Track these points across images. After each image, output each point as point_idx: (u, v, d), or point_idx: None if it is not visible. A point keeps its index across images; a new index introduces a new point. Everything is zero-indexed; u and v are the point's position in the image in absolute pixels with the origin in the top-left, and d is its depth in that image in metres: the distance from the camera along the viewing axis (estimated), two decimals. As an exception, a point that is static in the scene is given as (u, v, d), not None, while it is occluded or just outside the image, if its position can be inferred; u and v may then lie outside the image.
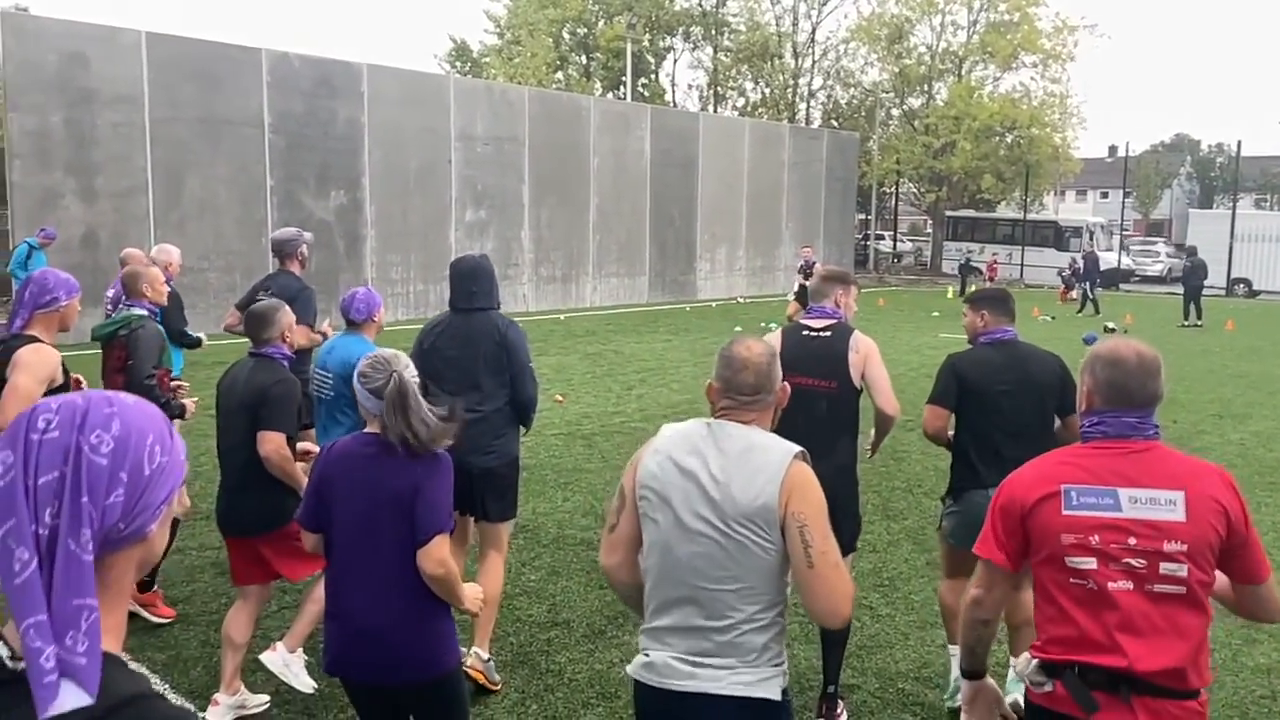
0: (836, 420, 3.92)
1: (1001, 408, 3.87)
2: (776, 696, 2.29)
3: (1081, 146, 45.94)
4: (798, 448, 2.31)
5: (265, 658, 3.96)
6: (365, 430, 2.83)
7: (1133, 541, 2.19)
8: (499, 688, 4.24)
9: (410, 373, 2.78)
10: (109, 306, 6.63)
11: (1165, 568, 2.18)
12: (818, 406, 3.88)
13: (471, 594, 2.91)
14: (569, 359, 14.22)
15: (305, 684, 4.02)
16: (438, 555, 2.68)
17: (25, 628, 1.01)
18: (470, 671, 4.09)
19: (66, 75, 14.99)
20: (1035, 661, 2.30)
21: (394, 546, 2.70)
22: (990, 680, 2.53)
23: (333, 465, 2.79)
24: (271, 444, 3.78)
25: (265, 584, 4.11)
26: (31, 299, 3.94)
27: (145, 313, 4.85)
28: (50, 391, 3.87)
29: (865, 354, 3.95)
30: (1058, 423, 3.94)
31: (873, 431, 4.20)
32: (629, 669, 2.43)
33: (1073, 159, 37.56)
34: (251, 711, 4.01)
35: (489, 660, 4.25)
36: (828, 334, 3.99)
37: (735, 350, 2.39)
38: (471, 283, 4.32)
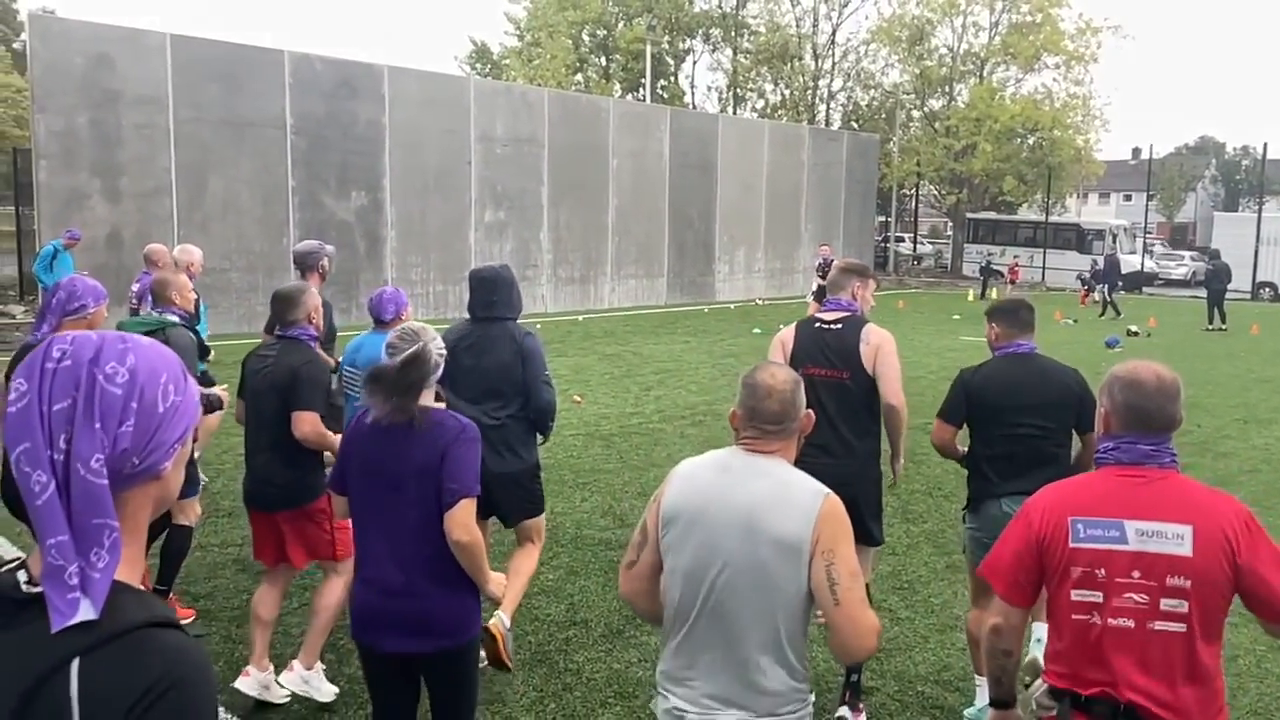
0: (851, 410, 3.92)
1: (1012, 422, 3.80)
2: None
3: (1104, 149, 45.79)
4: (826, 488, 2.28)
5: (284, 679, 3.98)
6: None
7: (1136, 575, 2.15)
8: (511, 668, 4.24)
9: (437, 344, 2.86)
10: (134, 301, 6.71)
11: (1166, 604, 2.14)
12: (830, 396, 3.89)
13: (496, 578, 2.93)
14: (587, 360, 14.24)
15: (328, 693, 4.05)
16: (463, 519, 2.71)
17: (48, 546, 1.04)
18: (491, 628, 4.04)
19: (92, 77, 15.16)
20: (1045, 685, 2.30)
21: (421, 516, 2.74)
22: (1019, 711, 2.50)
23: (359, 433, 2.85)
24: (307, 423, 3.85)
25: (291, 567, 4.18)
26: (60, 305, 3.98)
27: (177, 319, 4.87)
28: None
29: (877, 345, 3.94)
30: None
31: (889, 446, 4.14)
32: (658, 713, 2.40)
33: (1095, 161, 37.26)
34: (276, 701, 4.06)
35: (510, 629, 4.25)
36: (839, 326, 4.00)
37: (760, 378, 2.34)
38: (491, 292, 4.34)
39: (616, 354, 15.00)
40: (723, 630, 2.24)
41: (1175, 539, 2.14)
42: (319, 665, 4.09)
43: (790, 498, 2.23)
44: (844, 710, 4.00)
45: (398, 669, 2.89)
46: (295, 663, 4.03)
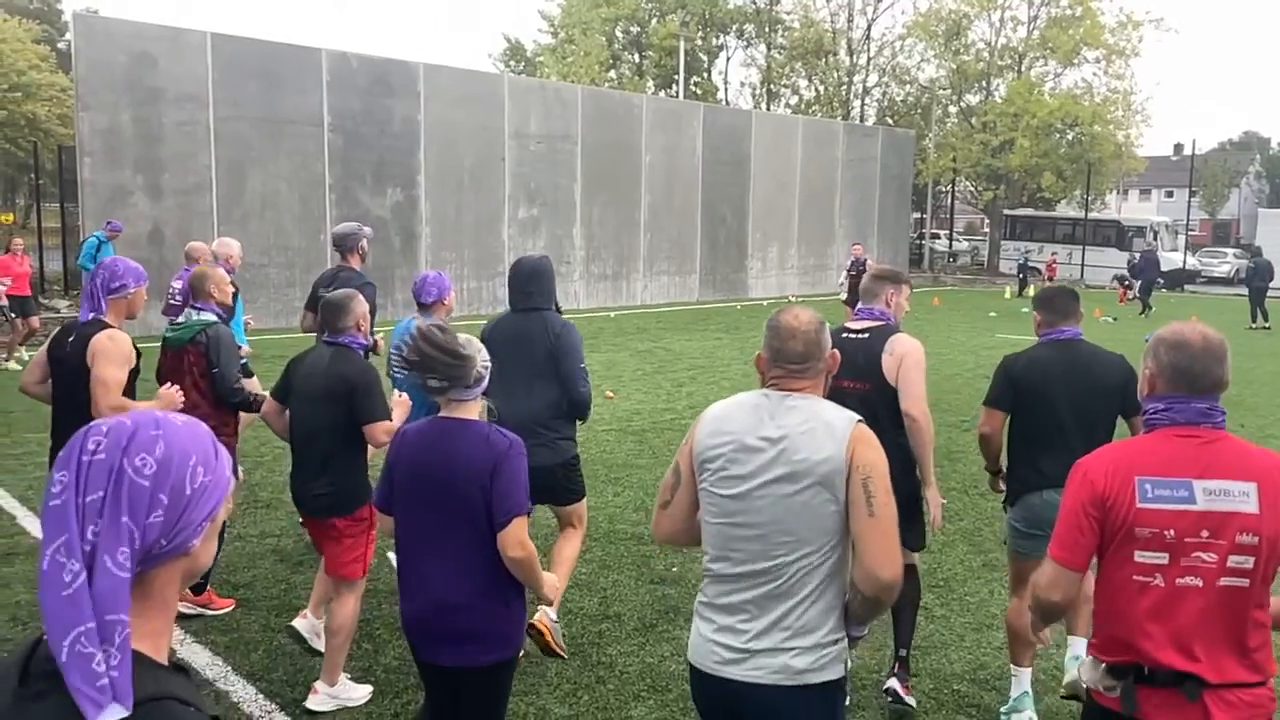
0: (878, 422, 3.84)
1: (1057, 407, 3.77)
2: (836, 676, 2.28)
3: (1145, 144, 44.87)
4: (857, 415, 2.31)
5: (312, 704, 3.98)
6: (440, 415, 2.87)
7: (1205, 535, 2.15)
8: (564, 654, 4.32)
9: (483, 357, 2.83)
10: (178, 299, 6.81)
11: (1234, 560, 2.14)
12: (859, 408, 3.82)
13: (550, 582, 2.95)
14: (619, 356, 14.25)
15: (358, 698, 4.07)
16: (517, 537, 2.74)
17: (76, 635, 1.07)
18: (537, 624, 4.13)
19: (135, 75, 15.41)
20: (1103, 666, 2.25)
21: (469, 529, 2.75)
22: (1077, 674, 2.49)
23: (408, 449, 2.85)
24: (383, 432, 3.87)
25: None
26: (103, 285, 4.07)
27: (215, 317, 4.92)
28: (130, 374, 4.06)
29: (901, 356, 3.87)
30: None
31: (920, 472, 4.01)
32: (688, 653, 2.43)
33: (1136, 157, 36.68)
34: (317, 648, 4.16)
35: (556, 621, 4.32)
36: (866, 335, 3.95)
37: (783, 319, 2.39)
38: (529, 283, 4.35)
39: (649, 350, 15.01)
40: (763, 564, 2.27)
41: (1241, 496, 2.14)
42: (344, 677, 4.08)
43: (822, 424, 2.27)
44: (893, 682, 4.00)
45: (443, 676, 2.91)
46: (318, 685, 4.02)
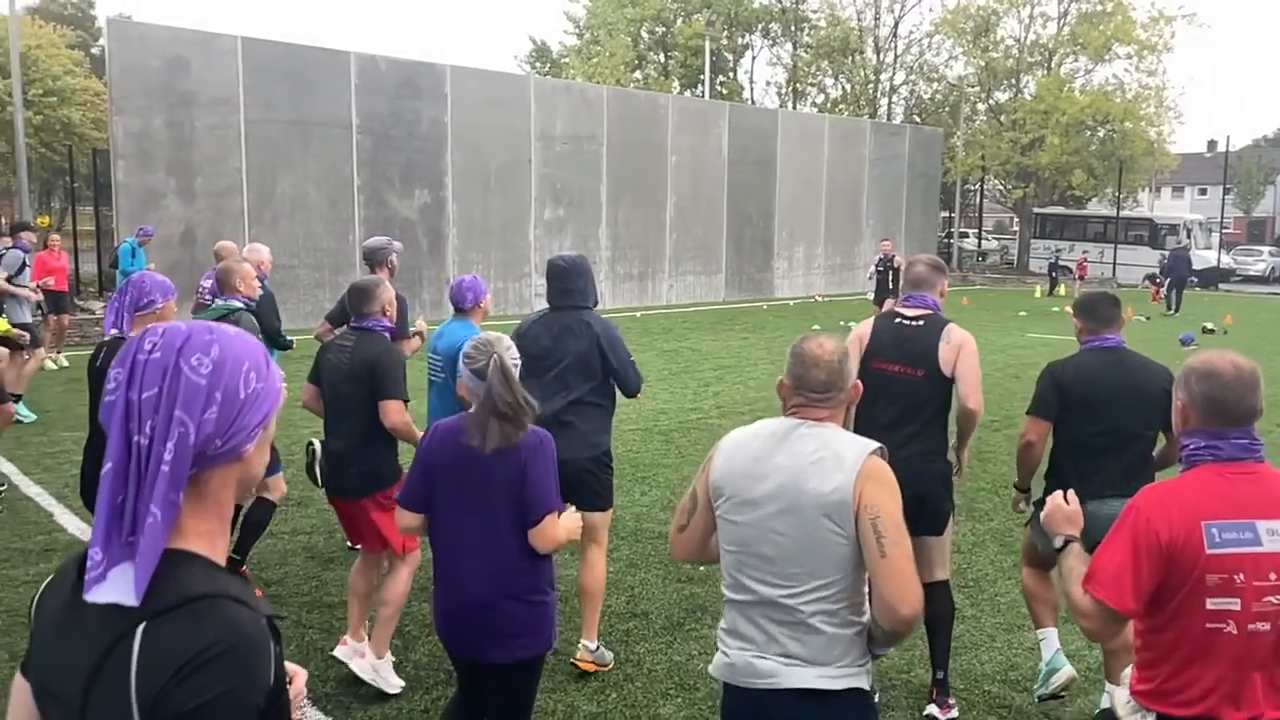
0: (923, 409, 3.86)
1: (1104, 417, 3.71)
2: (865, 686, 2.28)
3: (1178, 141, 44.26)
4: (875, 444, 2.29)
5: (355, 667, 4.10)
6: (470, 411, 2.90)
7: (1274, 577, 2.09)
8: (610, 666, 4.36)
9: (511, 354, 2.87)
10: (207, 297, 6.89)
11: None
12: (904, 394, 3.83)
13: (569, 526, 2.93)
14: (645, 356, 14.25)
15: (394, 685, 4.14)
16: (551, 535, 2.78)
17: (104, 522, 1.15)
18: (580, 664, 4.26)
19: (168, 79, 15.62)
20: (1154, 715, 2.17)
21: (500, 525, 2.78)
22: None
23: (438, 446, 2.87)
24: (395, 412, 3.97)
25: (379, 551, 4.29)
26: (131, 302, 4.12)
27: (241, 305, 5.04)
28: None
29: (958, 346, 3.86)
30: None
31: (955, 441, 4.08)
32: (711, 668, 2.44)
33: (1169, 154, 36.11)
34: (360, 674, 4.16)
35: (597, 649, 4.37)
36: (921, 323, 3.92)
37: (807, 347, 2.38)
38: (567, 281, 4.36)
39: (675, 350, 15.00)
40: (778, 594, 2.27)
41: None
42: (389, 656, 4.18)
43: (834, 456, 2.25)
44: (932, 708, 3.97)
45: (474, 671, 2.94)
46: (368, 650, 4.13)
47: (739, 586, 2.34)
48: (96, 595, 1.12)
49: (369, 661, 4.11)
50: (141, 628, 1.10)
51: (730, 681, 2.35)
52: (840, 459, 2.25)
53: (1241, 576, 2.08)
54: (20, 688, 1.29)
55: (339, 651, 4.17)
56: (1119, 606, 2.16)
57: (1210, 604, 2.09)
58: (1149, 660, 2.22)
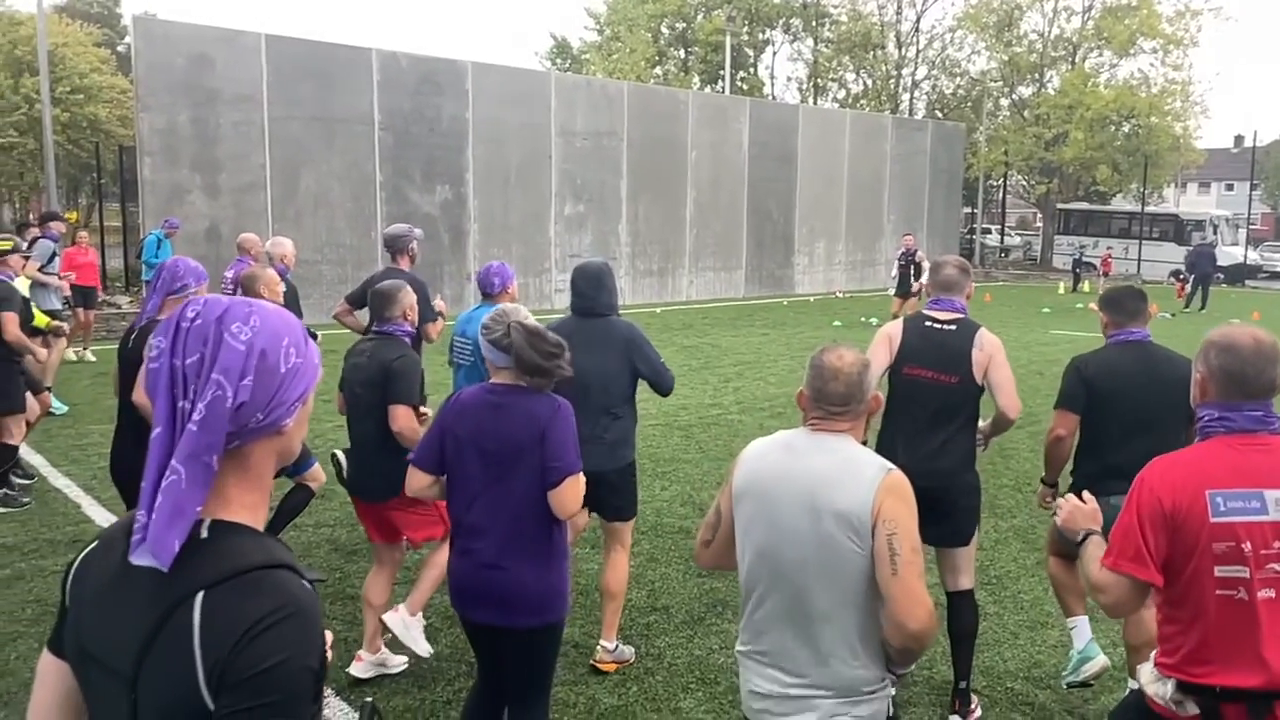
0: (954, 416, 3.82)
1: (1130, 410, 3.69)
2: (883, 714, 2.29)
3: (1204, 136, 43.73)
4: (891, 464, 2.28)
5: (388, 618, 4.17)
6: (491, 381, 2.94)
7: (1279, 545, 2.10)
8: (631, 661, 4.38)
9: (529, 320, 2.92)
10: (229, 286, 6.96)
11: None
12: (933, 399, 3.80)
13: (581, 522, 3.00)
14: (666, 351, 14.18)
15: (423, 648, 4.21)
16: (573, 495, 2.82)
17: (146, 489, 1.17)
18: (599, 665, 4.28)
19: (193, 76, 15.75)
20: (1172, 681, 2.19)
21: (518, 493, 2.82)
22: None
23: (458, 412, 2.92)
24: (402, 416, 3.97)
25: (397, 545, 4.33)
26: (164, 285, 4.17)
27: None
28: None
29: (990, 353, 3.82)
30: None
31: (985, 423, 4.07)
32: (743, 707, 2.43)
33: (1195, 149, 35.69)
34: (391, 671, 4.22)
35: (616, 648, 4.38)
36: (952, 327, 3.88)
37: (826, 360, 2.36)
38: (595, 289, 4.35)
39: (695, 346, 15.00)
40: (794, 608, 2.26)
41: None
42: (421, 618, 4.23)
43: (852, 472, 2.24)
44: (954, 719, 3.94)
45: (490, 639, 2.98)
46: (401, 606, 4.21)
47: (758, 601, 2.34)
48: (139, 558, 1.15)
49: (401, 616, 4.15)
50: (201, 595, 1.13)
51: (751, 717, 2.37)
52: (859, 473, 2.24)
53: (1249, 545, 2.10)
54: (49, 666, 1.31)
55: (355, 669, 4.14)
56: (1133, 573, 2.18)
57: (1219, 571, 2.12)
58: (1168, 633, 2.24)
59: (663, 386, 4.39)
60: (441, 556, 4.17)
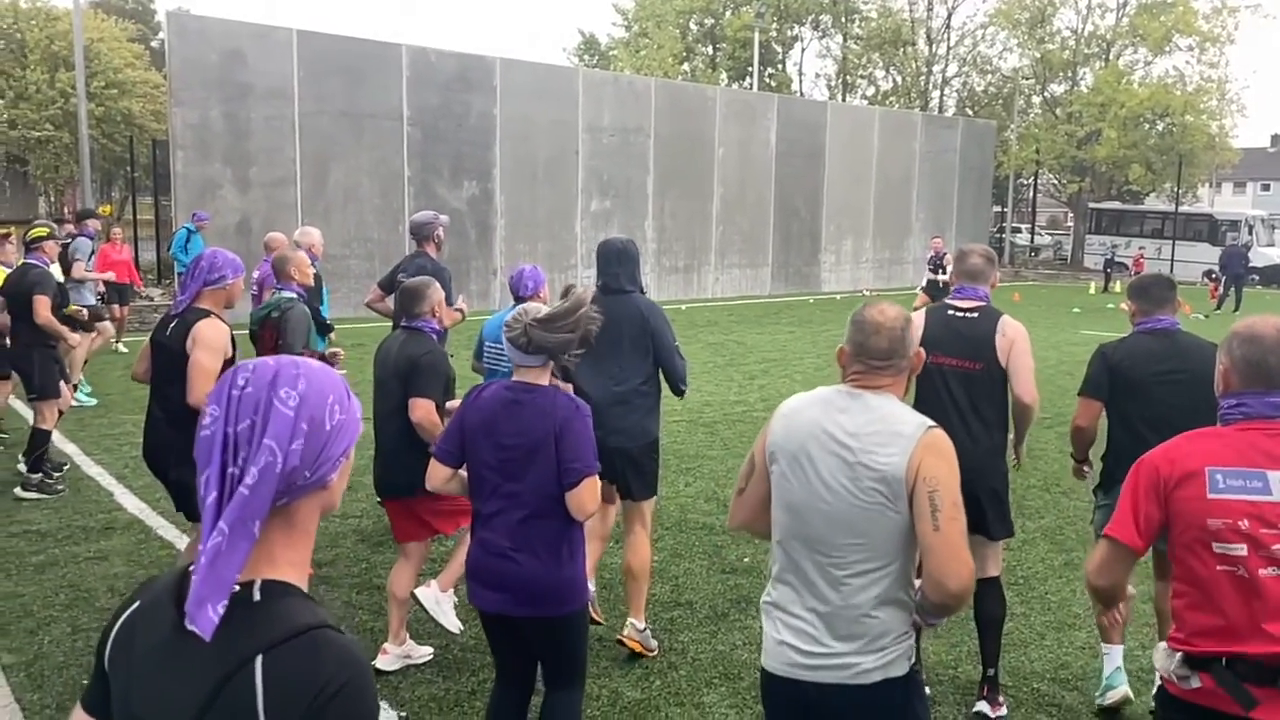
0: (980, 402, 3.81)
1: (1155, 397, 3.68)
2: (902, 673, 2.25)
3: (1240, 135, 43.01)
4: (931, 421, 2.26)
5: (419, 592, 4.20)
6: (512, 379, 2.98)
7: None
8: (655, 653, 4.39)
9: (541, 312, 2.95)
10: (254, 288, 7.04)
11: None
12: (960, 387, 3.79)
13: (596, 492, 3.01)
14: (691, 348, 14.23)
15: (453, 624, 4.24)
16: (590, 495, 2.83)
17: (206, 553, 1.18)
18: (626, 641, 4.30)
19: (225, 71, 15.92)
20: (1179, 655, 2.20)
21: (535, 487, 2.84)
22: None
23: (479, 407, 2.95)
24: (422, 410, 3.99)
25: (424, 541, 4.36)
26: (201, 275, 4.21)
27: (294, 295, 5.12)
28: (225, 364, 4.16)
29: (1013, 338, 3.82)
30: None
31: (1012, 435, 4.04)
32: (762, 659, 2.42)
33: (1230, 148, 35.12)
34: (417, 661, 4.26)
35: (645, 630, 4.39)
36: (975, 315, 3.88)
37: (868, 314, 2.35)
38: (616, 265, 4.38)
39: (720, 343, 14.97)
40: (824, 564, 2.25)
41: None
42: (452, 595, 4.26)
43: (892, 429, 2.22)
44: (982, 705, 3.93)
45: (504, 629, 3.01)
46: (433, 581, 4.24)
47: (786, 555, 2.33)
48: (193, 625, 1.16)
49: (433, 593, 4.18)
50: (260, 659, 1.14)
51: (773, 670, 2.34)
52: (899, 429, 2.21)
53: (1246, 523, 2.10)
54: None
55: (381, 662, 4.16)
56: (1116, 535, 2.24)
57: (1216, 548, 2.13)
58: (1177, 608, 2.26)
59: (673, 374, 4.38)
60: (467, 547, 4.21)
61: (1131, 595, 3.66)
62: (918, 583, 2.29)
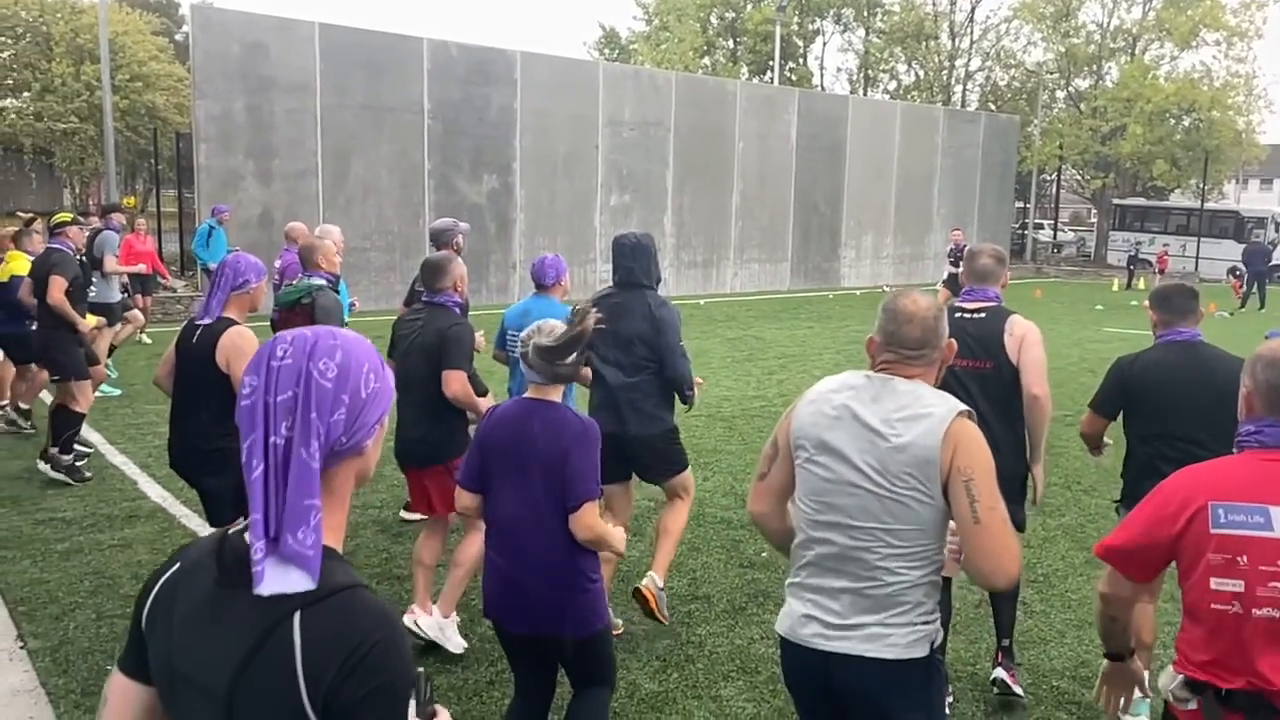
0: (994, 401, 3.79)
1: (1175, 411, 3.59)
2: (923, 654, 2.24)
3: (1268, 131, 42.44)
4: (963, 405, 2.23)
5: (422, 622, 4.23)
6: (525, 395, 2.99)
7: None
8: (669, 622, 4.42)
9: (546, 340, 2.93)
10: (276, 277, 7.10)
11: None
12: (974, 387, 3.77)
13: (619, 536, 2.99)
14: (709, 343, 14.22)
15: (457, 645, 4.27)
16: (588, 521, 2.80)
17: (253, 520, 1.21)
18: (643, 589, 4.29)
19: (248, 65, 16.02)
20: (1180, 677, 2.19)
21: (547, 507, 2.82)
22: (1135, 664, 2.43)
23: (494, 427, 2.95)
24: (456, 382, 4.07)
25: (443, 516, 4.40)
26: (226, 282, 4.22)
27: (324, 282, 5.17)
28: None
29: (1022, 335, 3.81)
30: None
31: (1028, 455, 3.96)
32: (777, 625, 2.41)
33: (1258, 144, 34.71)
34: (450, 649, 4.27)
35: (663, 589, 4.40)
36: (983, 315, 3.88)
37: (900, 303, 2.32)
38: (630, 259, 4.42)
39: (739, 338, 14.94)
40: (850, 553, 2.23)
41: None
42: (455, 617, 4.31)
43: (922, 414, 2.19)
44: (999, 672, 3.95)
45: (524, 648, 3.00)
46: (435, 608, 4.28)
47: (810, 541, 2.30)
48: (263, 588, 1.19)
49: (435, 620, 4.23)
50: (298, 615, 1.18)
51: (792, 639, 2.32)
52: (928, 416, 2.18)
53: (1245, 559, 2.06)
54: (121, 687, 1.34)
55: (422, 622, 4.25)
56: (1123, 570, 2.23)
57: (1214, 584, 2.09)
58: (1185, 637, 2.24)
59: (674, 374, 4.34)
60: (466, 554, 4.23)
61: (1147, 644, 3.60)
62: (948, 549, 2.26)
